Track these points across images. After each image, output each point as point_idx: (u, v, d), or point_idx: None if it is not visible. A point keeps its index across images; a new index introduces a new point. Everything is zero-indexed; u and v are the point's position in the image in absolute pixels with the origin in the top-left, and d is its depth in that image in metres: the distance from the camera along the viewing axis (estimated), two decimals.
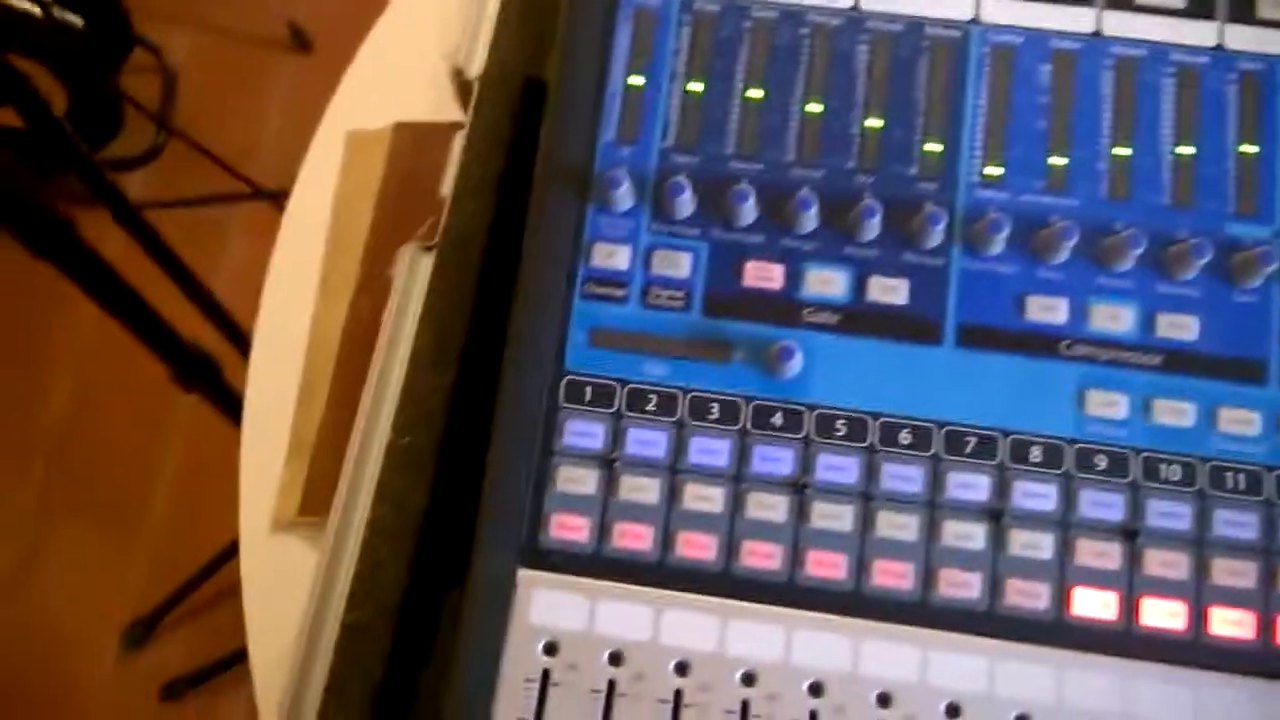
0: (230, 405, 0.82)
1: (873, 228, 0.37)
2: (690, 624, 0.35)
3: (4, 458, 1.37)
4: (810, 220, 0.37)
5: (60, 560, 1.32)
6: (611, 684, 0.34)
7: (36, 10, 1.17)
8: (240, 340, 0.94)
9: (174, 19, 1.59)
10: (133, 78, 1.53)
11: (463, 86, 0.51)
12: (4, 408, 1.40)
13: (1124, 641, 0.34)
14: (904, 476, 0.36)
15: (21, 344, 1.43)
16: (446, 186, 0.49)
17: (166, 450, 1.35)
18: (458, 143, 0.49)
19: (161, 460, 1.35)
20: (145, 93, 1.53)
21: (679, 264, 0.38)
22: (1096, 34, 0.39)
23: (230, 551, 1.20)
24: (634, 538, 0.36)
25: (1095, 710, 0.34)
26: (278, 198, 1.01)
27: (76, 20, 1.36)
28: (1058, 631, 0.35)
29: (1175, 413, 0.36)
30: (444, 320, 0.45)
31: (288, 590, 0.49)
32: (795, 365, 0.36)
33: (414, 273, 0.46)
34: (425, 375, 0.43)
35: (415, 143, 0.61)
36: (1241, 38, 0.39)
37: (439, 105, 0.60)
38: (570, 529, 0.36)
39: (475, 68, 0.50)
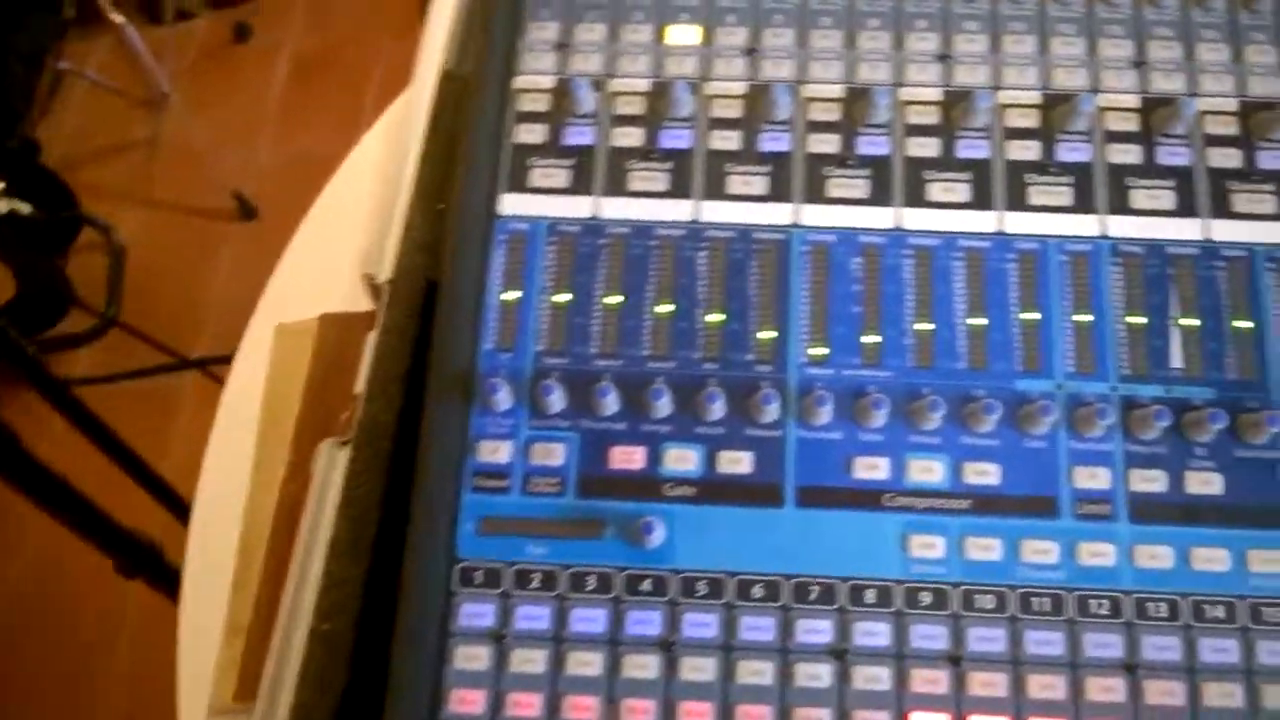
0: (175, 590, 0.86)
1: (718, 409, 0.43)
2: None
3: None
4: (664, 407, 0.44)
5: None
6: None
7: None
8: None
9: (122, 197, 1.67)
10: (84, 255, 1.60)
11: (374, 290, 0.58)
12: None
13: None
14: (758, 627, 0.41)
15: None
16: (360, 384, 0.55)
17: (119, 635, 1.34)
18: (370, 342, 0.55)
19: (113, 645, 1.34)
20: (95, 269, 1.60)
21: (554, 454, 0.43)
22: (897, 228, 0.47)
23: None
24: (525, 706, 0.40)
25: None
26: (225, 362, 1.06)
27: (25, 207, 1.43)
28: None
29: (985, 549, 0.42)
30: (359, 511, 0.50)
31: None
32: (659, 536, 0.42)
33: (331, 466, 0.51)
34: (343, 564, 0.48)
35: (339, 333, 0.66)
36: (1017, 223, 0.46)
37: (362, 296, 0.67)
38: (468, 703, 0.40)
39: (385, 273, 0.56)
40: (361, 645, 0.47)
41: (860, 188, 0.47)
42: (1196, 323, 0.45)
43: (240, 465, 0.62)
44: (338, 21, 1.85)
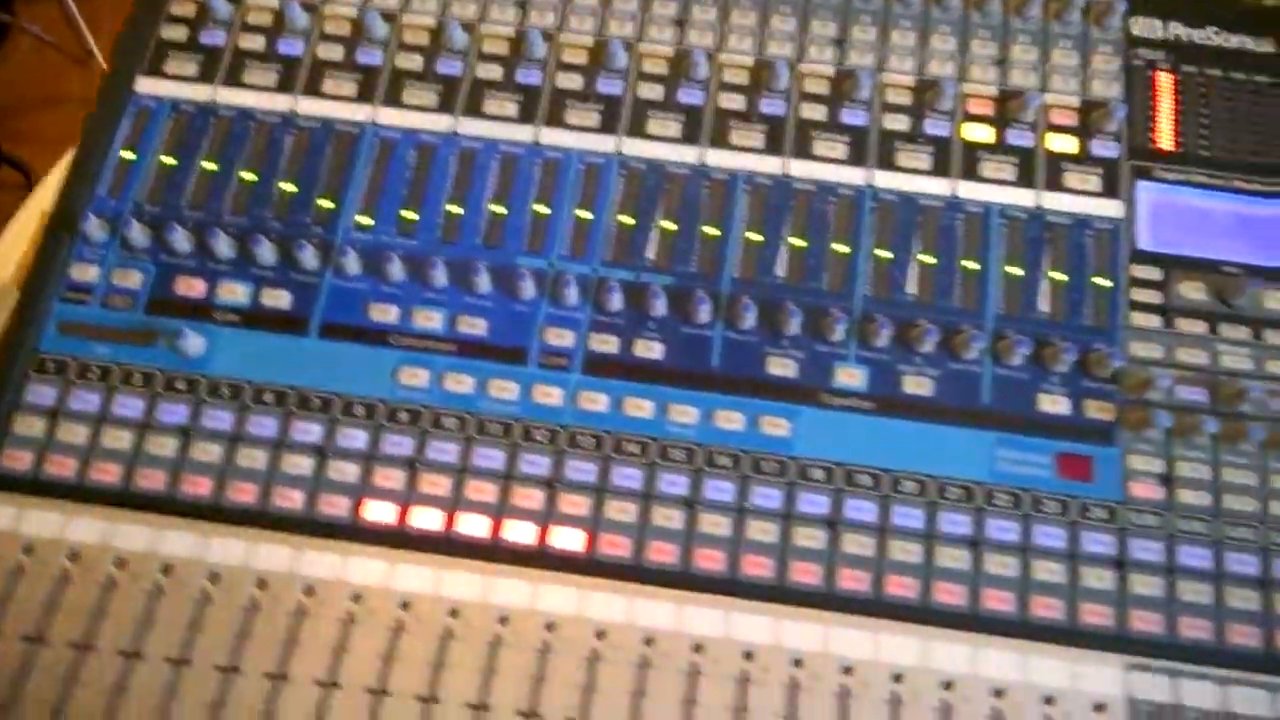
0: None
1: (268, 255, 0.54)
2: (92, 527, 0.49)
3: None
4: (226, 250, 0.54)
5: None
6: (19, 567, 0.48)
7: None
8: None
9: (49, 143, 1.79)
10: (3, 195, 1.71)
11: None
12: None
13: (446, 544, 0.49)
14: (262, 425, 0.51)
15: None
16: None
17: None
18: None
19: None
20: (14, 210, 1.71)
21: (131, 279, 0.54)
22: (453, 133, 0.57)
23: None
24: (62, 466, 0.50)
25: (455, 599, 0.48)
26: None
27: None
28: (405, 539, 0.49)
29: (459, 383, 0.52)
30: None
31: None
32: (197, 347, 0.52)
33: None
34: None
35: None
36: (551, 137, 0.57)
37: None
38: (17, 460, 0.50)
39: None
40: None
41: (430, 99, 0.58)
42: (674, 227, 0.55)
43: None
44: None
